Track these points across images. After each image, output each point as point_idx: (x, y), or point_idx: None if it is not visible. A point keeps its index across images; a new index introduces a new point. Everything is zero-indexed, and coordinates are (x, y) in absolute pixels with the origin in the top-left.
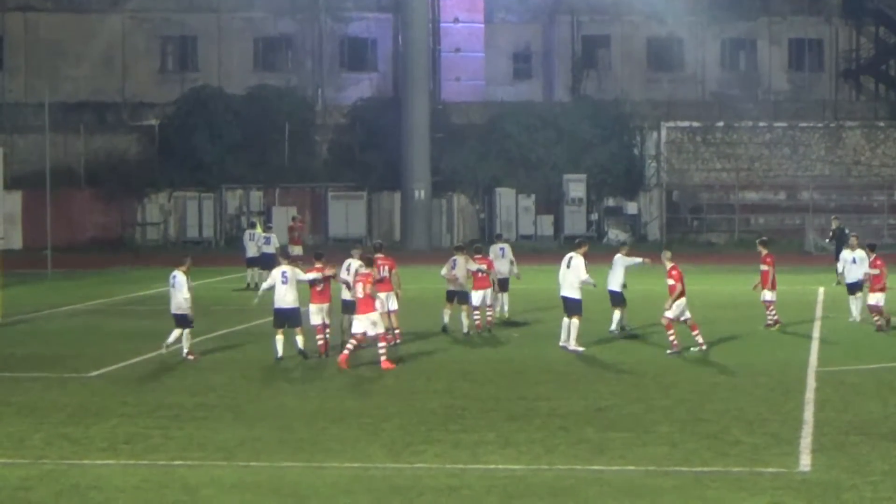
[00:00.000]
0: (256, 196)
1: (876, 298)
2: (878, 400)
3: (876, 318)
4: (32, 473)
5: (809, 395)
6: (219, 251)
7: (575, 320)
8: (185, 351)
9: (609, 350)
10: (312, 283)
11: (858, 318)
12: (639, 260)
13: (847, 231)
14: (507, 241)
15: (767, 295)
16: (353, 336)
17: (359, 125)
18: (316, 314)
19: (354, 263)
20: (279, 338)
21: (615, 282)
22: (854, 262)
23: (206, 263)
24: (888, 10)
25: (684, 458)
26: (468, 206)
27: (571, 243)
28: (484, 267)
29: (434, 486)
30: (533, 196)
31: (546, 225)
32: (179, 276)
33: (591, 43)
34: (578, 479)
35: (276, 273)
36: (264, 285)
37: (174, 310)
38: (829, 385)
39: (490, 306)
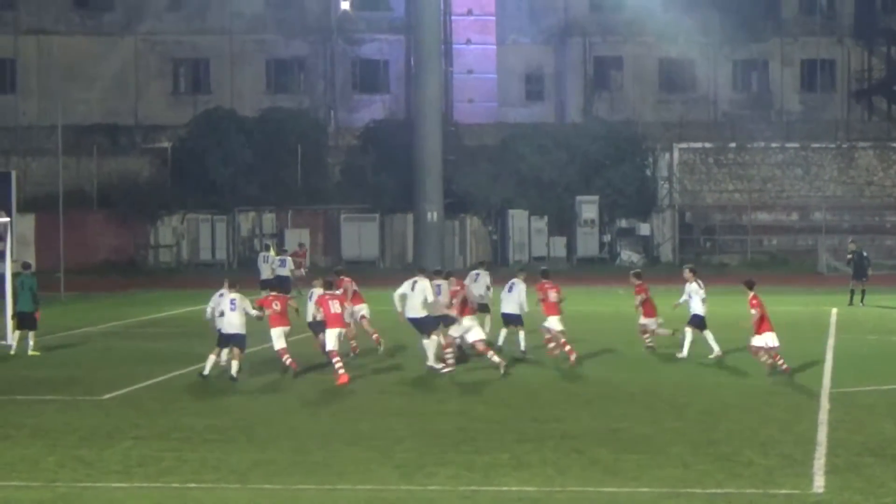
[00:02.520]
0: (269, 218)
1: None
2: (892, 421)
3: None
4: (46, 496)
5: (823, 416)
6: (231, 273)
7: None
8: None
9: (621, 371)
10: (257, 318)
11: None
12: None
13: (865, 254)
14: (487, 268)
15: (643, 320)
16: (329, 353)
17: (371, 147)
18: (278, 338)
19: (317, 292)
20: (212, 357)
21: (512, 304)
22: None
23: (219, 286)
24: None
25: (697, 480)
26: (481, 227)
27: (585, 264)
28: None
29: None
30: (545, 217)
31: (559, 246)
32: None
33: (603, 64)
34: (591, 500)
35: (225, 300)
36: (208, 312)
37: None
38: (843, 406)
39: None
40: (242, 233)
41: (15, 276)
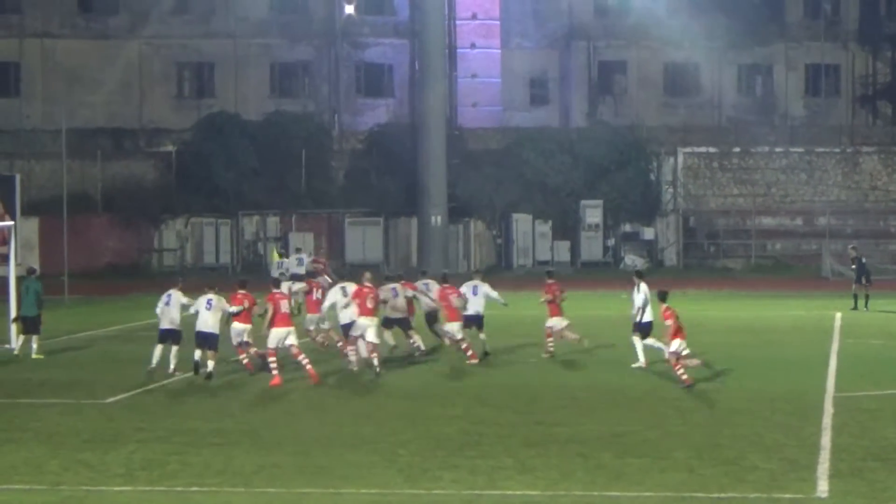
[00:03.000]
0: (273, 222)
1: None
2: None
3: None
4: (50, 500)
5: (827, 420)
6: (236, 277)
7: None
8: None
9: (625, 375)
10: (234, 314)
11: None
12: (501, 300)
13: (864, 260)
14: (432, 277)
15: (550, 321)
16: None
17: (375, 151)
18: (237, 335)
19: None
20: (157, 348)
21: (477, 305)
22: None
23: (224, 289)
24: None
25: (701, 485)
26: (485, 231)
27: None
28: (411, 293)
29: None
30: (550, 222)
31: (563, 251)
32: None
33: (608, 68)
34: None
35: (201, 300)
36: (190, 309)
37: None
38: (847, 410)
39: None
40: (246, 236)
41: (20, 279)
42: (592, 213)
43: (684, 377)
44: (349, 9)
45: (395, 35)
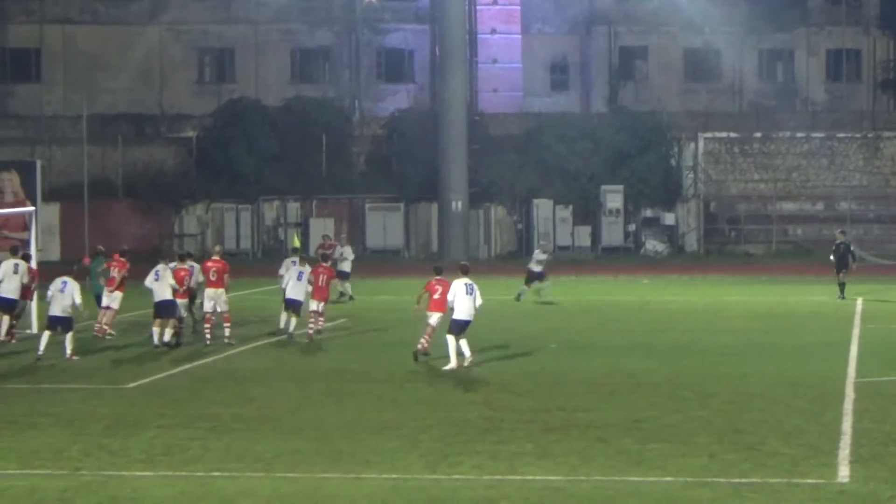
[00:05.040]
0: (294, 207)
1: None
2: None
3: None
4: (71, 485)
5: (848, 405)
6: (256, 262)
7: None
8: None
9: (646, 361)
10: (176, 290)
11: None
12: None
13: (852, 248)
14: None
15: (313, 304)
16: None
17: (396, 136)
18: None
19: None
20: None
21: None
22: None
23: (244, 274)
24: None
25: (722, 470)
26: (505, 217)
27: (609, 254)
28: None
29: (472, 498)
30: (570, 207)
31: (583, 236)
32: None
33: (629, 54)
34: (616, 490)
35: (151, 273)
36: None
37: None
38: (868, 396)
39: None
40: (267, 222)
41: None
42: (613, 198)
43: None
44: None
45: (416, 21)
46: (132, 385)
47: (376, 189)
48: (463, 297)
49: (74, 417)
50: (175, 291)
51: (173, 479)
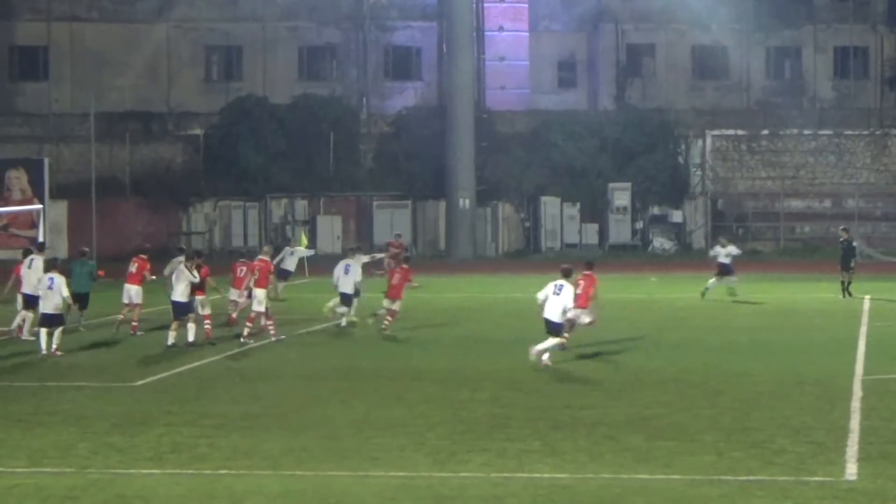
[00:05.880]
0: (301, 205)
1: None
2: None
3: None
4: (78, 482)
5: (856, 403)
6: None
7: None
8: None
9: (653, 358)
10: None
11: None
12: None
13: (855, 244)
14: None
15: (387, 302)
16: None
17: (403, 134)
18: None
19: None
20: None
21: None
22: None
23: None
24: None
25: (730, 467)
26: (513, 214)
27: (617, 251)
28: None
29: (479, 495)
30: (578, 204)
31: (591, 233)
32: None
33: (636, 51)
34: (624, 487)
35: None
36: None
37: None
38: (876, 394)
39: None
40: (274, 220)
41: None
42: (621, 195)
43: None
44: None
45: (423, 18)
46: (140, 383)
47: (384, 187)
48: (552, 298)
49: (82, 415)
50: (195, 289)
51: (181, 477)
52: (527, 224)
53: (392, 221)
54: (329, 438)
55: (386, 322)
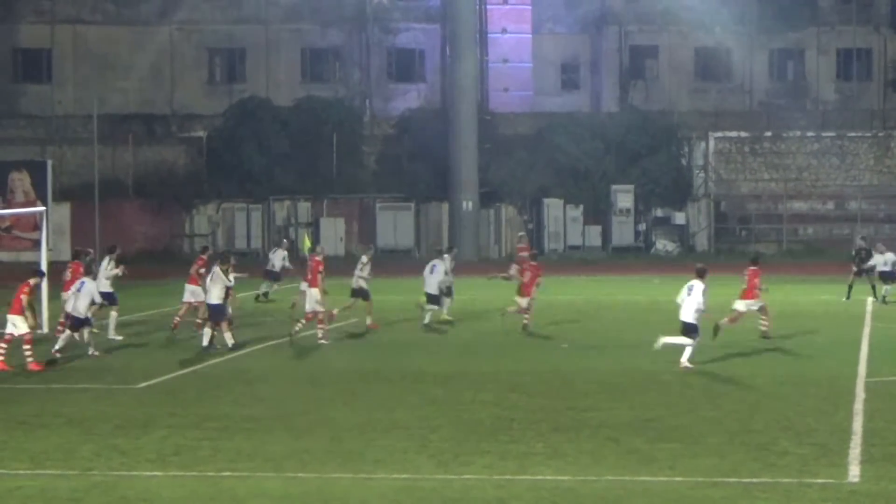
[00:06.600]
0: (304, 207)
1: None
2: None
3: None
4: (82, 485)
5: (859, 405)
6: (266, 262)
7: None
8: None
9: (656, 360)
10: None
11: None
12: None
13: (872, 251)
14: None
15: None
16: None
17: (407, 136)
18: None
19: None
20: (207, 330)
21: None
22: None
23: (255, 274)
24: None
25: (733, 469)
26: (516, 216)
27: (620, 253)
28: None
29: (482, 498)
30: (581, 206)
31: (594, 235)
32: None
33: (639, 53)
34: (627, 490)
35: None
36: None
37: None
38: (879, 396)
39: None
40: (277, 222)
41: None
42: (624, 197)
43: None
44: None
45: (427, 20)
46: (143, 385)
47: (387, 189)
48: (686, 299)
49: (85, 417)
50: (228, 292)
51: (184, 479)
52: (530, 226)
53: (395, 223)
54: (332, 440)
55: (525, 319)
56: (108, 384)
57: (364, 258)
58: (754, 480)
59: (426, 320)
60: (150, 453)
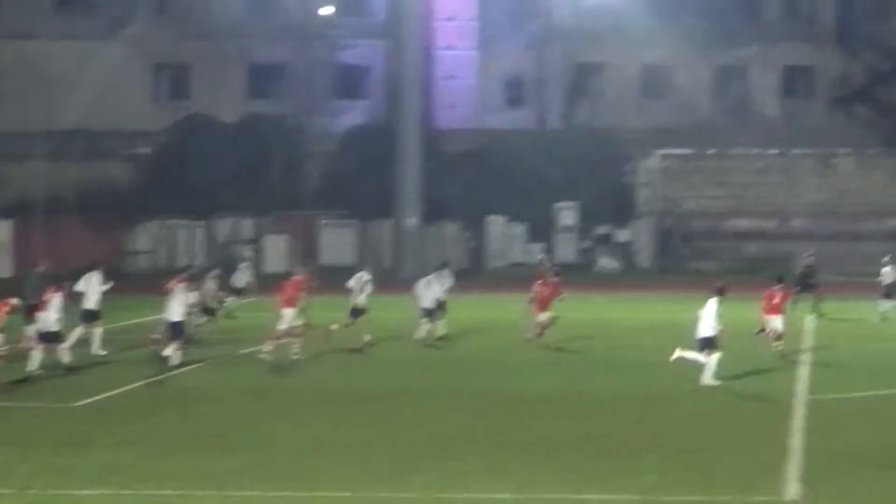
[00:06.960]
0: (247, 224)
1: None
2: (867, 428)
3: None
4: None
5: (798, 423)
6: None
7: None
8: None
9: (598, 378)
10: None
11: None
12: None
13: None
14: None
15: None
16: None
17: (351, 153)
18: None
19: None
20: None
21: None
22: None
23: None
24: (881, 37)
25: (673, 487)
26: (460, 234)
27: (563, 271)
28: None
29: None
30: (525, 224)
31: (537, 252)
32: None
33: (584, 70)
34: None
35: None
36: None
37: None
38: (819, 413)
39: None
40: (220, 239)
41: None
42: (567, 214)
43: None
44: (326, 10)
45: (372, 36)
46: (80, 403)
47: (331, 205)
48: (703, 315)
49: (23, 435)
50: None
51: (123, 498)
52: (472, 244)
53: (338, 241)
54: (272, 458)
55: (539, 332)
56: (46, 402)
57: (365, 275)
58: (693, 498)
59: (421, 335)
60: (88, 472)
